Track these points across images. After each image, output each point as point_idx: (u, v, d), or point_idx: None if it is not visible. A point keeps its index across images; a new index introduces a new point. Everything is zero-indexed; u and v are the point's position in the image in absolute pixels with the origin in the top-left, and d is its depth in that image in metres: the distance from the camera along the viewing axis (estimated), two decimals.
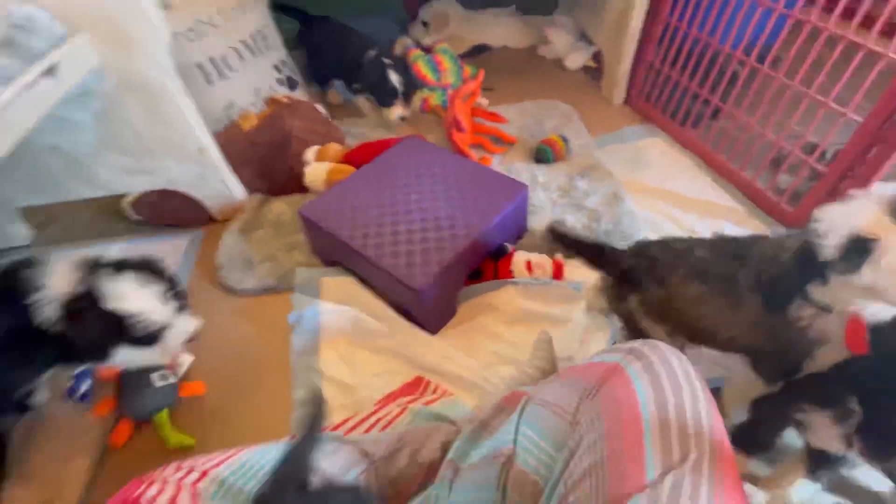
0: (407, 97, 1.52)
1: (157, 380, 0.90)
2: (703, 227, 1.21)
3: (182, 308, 0.81)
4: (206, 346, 1.02)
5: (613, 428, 0.49)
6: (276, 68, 1.57)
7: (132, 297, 0.72)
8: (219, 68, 1.40)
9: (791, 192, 1.20)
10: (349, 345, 0.98)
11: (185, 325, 0.81)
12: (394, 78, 1.46)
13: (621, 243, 1.13)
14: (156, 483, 0.52)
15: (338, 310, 1.01)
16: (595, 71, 1.92)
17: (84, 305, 0.70)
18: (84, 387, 0.91)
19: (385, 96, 1.50)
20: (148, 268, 0.78)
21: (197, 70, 1.36)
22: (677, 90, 1.48)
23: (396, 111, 1.51)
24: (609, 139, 1.52)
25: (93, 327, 0.71)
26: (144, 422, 0.90)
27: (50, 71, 0.84)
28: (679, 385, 0.50)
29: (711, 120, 1.44)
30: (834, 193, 1.09)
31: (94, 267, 0.74)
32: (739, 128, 1.30)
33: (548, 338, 0.90)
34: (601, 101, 1.73)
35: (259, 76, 1.51)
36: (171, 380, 0.92)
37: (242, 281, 1.13)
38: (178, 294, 0.80)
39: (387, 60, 1.47)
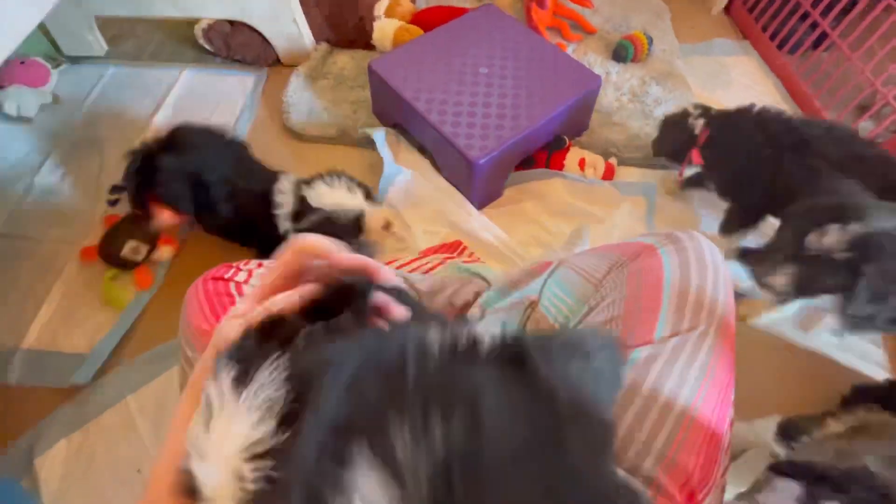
0: None
1: (128, 251, 0.93)
2: None
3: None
4: None
5: (634, 293, 0.53)
6: None
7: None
8: None
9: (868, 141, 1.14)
10: (404, 201, 1.06)
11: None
12: None
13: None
14: (242, 271, 0.63)
15: (398, 166, 1.07)
16: None
17: None
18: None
19: None
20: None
21: None
22: (787, 5, 1.33)
23: None
24: (696, 49, 1.42)
25: None
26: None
27: None
28: (705, 266, 0.53)
29: (811, 49, 1.32)
30: None
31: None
32: (837, 62, 1.20)
33: (585, 229, 0.96)
34: (699, 5, 1.57)
35: None
36: (137, 258, 0.95)
37: (306, 126, 1.18)
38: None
39: None
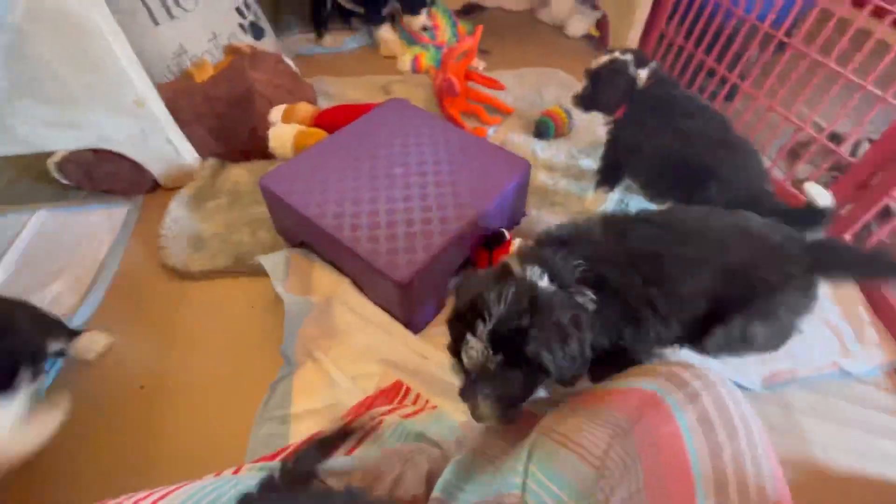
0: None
1: None
2: None
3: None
4: (142, 339, 0.87)
5: (655, 478, 0.38)
6: (239, 11, 1.35)
7: None
8: (167, 5, 1.18)
9: None
10: (323, 338, 0.83)
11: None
12: None
13: None
14: None
15: (305, 300, 0.86)
16: (597, 40, 1.76)
17: None
18: None
19: (414, 2, 1.40)
20: None
21: (139, 5, 1.14)
22: (690, 65, 1.35)
23: (421, 20, 1.42)
24: None
25: None
26: None
27: None
28: (734, 426, 0.39)
29: (727, 101, 1.32)
30: (864, 187, 0.99)
31: None
32: (757, 112, 1.18)
33: None
34: None
35: (218, 19, 1.29)
36: None
37: (190, 261, 0.95)
38: None
39: None
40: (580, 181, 1.13)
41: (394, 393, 0.75)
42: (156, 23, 1.17)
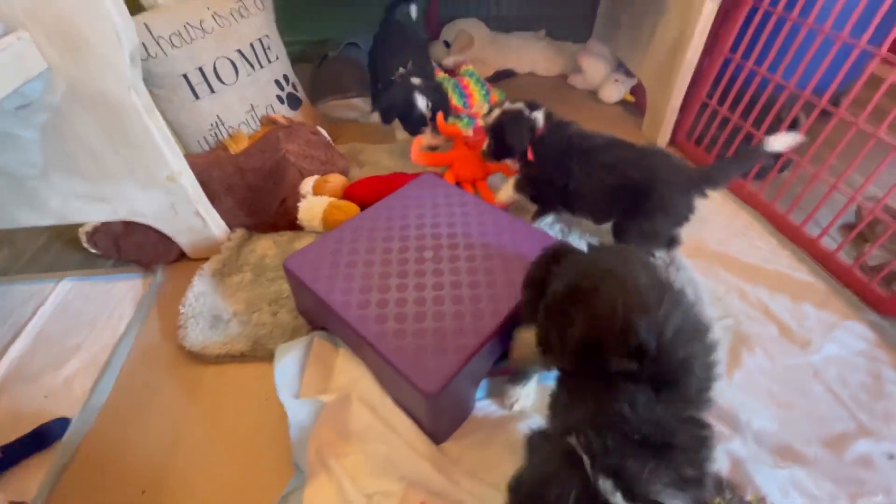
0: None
1: None
2: (777, 306, 0.99)
3: None
4: (151, 434, 0.81)
5: None
6: (278, 84, 1.37)
7: None
8: (209, 80, 1.21)
9: (889, 273, 0.98)
10: (339, 442, 0.75)
11: None
12: (421, 103, 1.25)
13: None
14: None
15: (314, 402, 0.78)
16: (632, 106, 1.73)
17: None
18: None
19: (411, 124, 1.29)
20: None
21: (182, 81, 1.17)
22: (737, 134, 1.28)
23: (427, 140, 1.31)
24: None
25: None
26: None
27: None
28: None
29: (780, 173, 1.24)
30: None
31: None
32: (801, 178, 1.11)
33: None
34: (641, 141, 1.52)
35: (256, 92, 1.32)
36: None
37: (206, 343, 0.90)
38: None
39: (416, 81, 1.26)
40: None
41: None
42: (196, 97, 1.19)
